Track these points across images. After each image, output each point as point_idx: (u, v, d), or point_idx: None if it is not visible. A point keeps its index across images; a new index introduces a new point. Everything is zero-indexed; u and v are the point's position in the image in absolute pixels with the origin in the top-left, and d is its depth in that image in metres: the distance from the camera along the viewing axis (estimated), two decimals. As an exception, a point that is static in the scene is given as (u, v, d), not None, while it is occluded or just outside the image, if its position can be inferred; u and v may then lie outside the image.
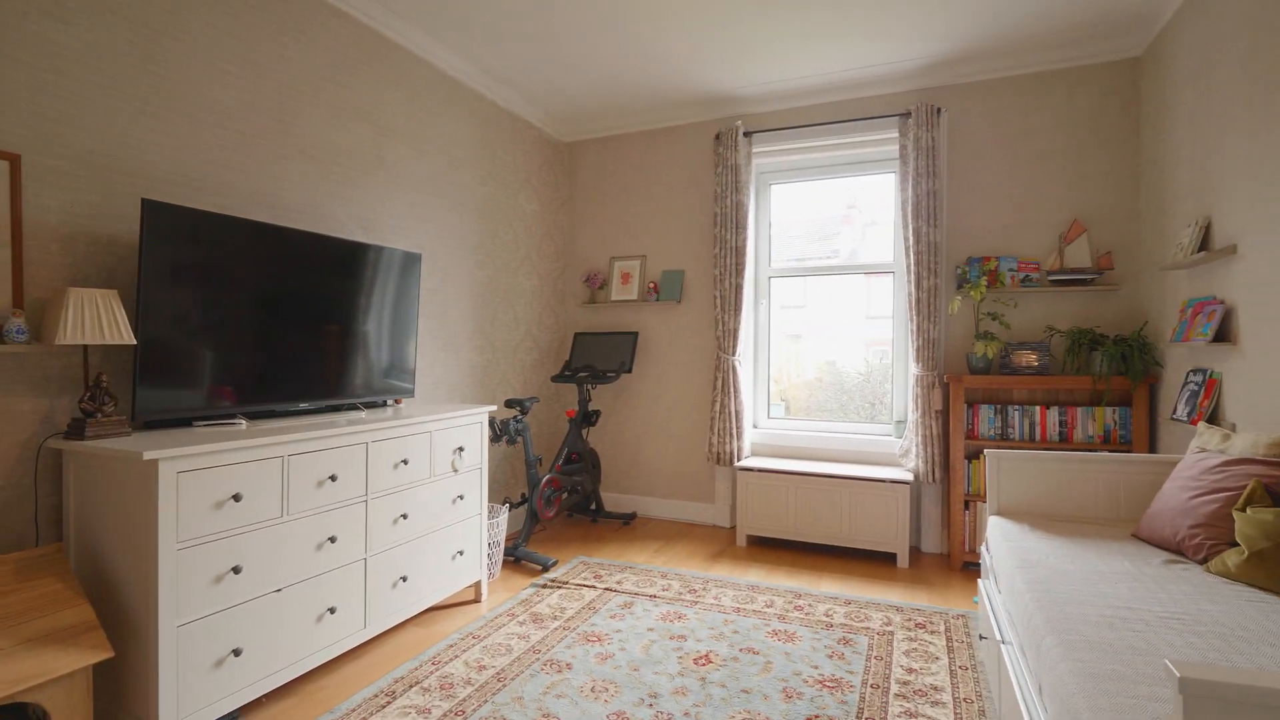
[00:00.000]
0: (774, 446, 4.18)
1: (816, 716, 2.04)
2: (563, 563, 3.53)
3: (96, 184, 2.03)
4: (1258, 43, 2.19)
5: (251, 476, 1.95)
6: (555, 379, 4.29)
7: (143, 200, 1.93)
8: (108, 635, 1.76)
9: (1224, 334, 2.41)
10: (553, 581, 3.24)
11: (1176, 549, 1.93)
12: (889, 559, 3.61)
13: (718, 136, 4.11)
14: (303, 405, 2.51)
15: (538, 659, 2.43)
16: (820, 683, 2.25)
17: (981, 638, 2.28)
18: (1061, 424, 3.32)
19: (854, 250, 4.24)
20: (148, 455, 1.66)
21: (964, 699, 2.14)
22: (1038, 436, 3.36)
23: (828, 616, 2.82)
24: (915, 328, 3.61)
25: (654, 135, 4.48)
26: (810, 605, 2.94)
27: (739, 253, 4.04)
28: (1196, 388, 2.60)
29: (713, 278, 4.24)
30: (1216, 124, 2.51)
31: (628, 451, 4.56)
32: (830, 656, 2.44)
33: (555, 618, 2.81)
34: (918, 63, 3.60)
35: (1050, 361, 3.40)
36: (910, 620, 2.77)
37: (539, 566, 3.44)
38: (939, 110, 3.64)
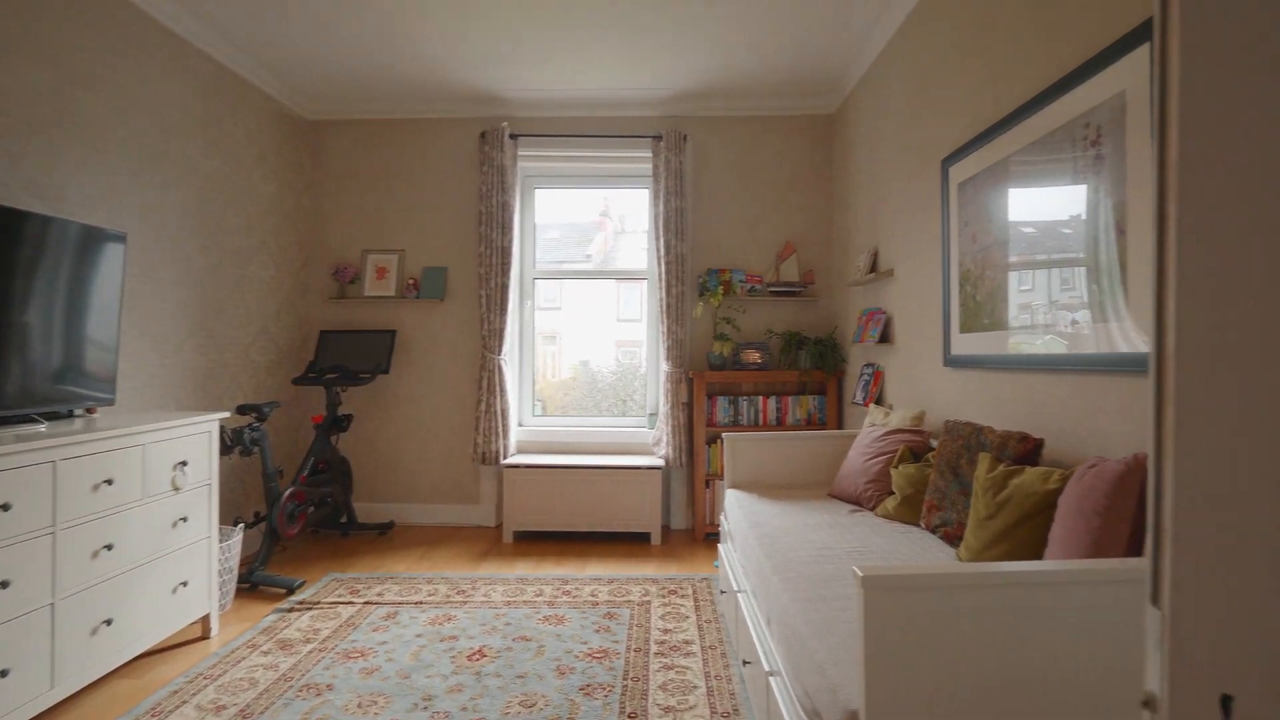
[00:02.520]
0: (538, 443, 4.30)
1: (588, 685, 2.20)
2: (312, 582, 3.22)
3: None
4: (906, 121, 2.91)
5: (-128, 510, 1.48)
6: (298, 381, 3.89)
7: None
8: None
9: (886, 336, 3.15)
10: (301, 604, 2.94)
11: (857, 501, 2.48)
12: (644, 538, 3.96)
13: (483, 135, 4.11)
14: (-53, 417, 1.95)
15: (290, 686, 2.21)
16: (590, 655, 2.42)
17: (722, 592, 2.67)
18: (778, 410, 3.98)
19: (607, 255, 4.56)
20: None
21: (709, 646, 2.48)
22: (760, 421, 3.99)
23: (593, 596, 3.02)
24: (666, 330, 4.02)
25: (416, 125, 4.31)
26: (577, 588, 3.12)
27: (505, 253, 4.09)
28: (868, 378, 3.34)
29: (478, 276, 4.21)
30: (882, 175, 3.26)
31: (385, 457, 4.31)
32: (597, 631, 2.63)
33: (308, 640, 2.57)
34: (668, 91, 4.02)
35: (770, 359, 4.05)
36: (664, 589, 3.10)
37: (282, 590, 3.10)
38: (685, 137, 4.10)
